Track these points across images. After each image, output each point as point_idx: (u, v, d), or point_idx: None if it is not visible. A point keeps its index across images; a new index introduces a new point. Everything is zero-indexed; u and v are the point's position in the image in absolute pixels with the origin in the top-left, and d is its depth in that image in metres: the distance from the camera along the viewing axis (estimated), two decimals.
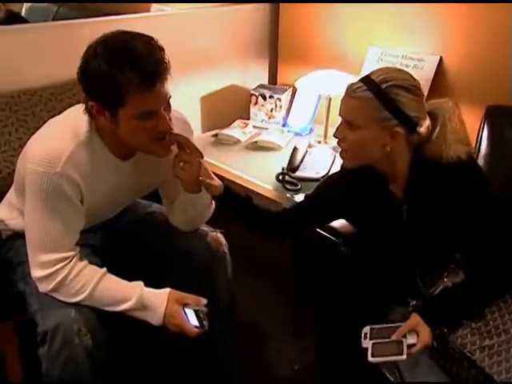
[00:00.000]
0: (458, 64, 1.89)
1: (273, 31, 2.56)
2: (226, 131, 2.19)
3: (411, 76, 1.19)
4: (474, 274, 1.20)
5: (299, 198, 1.71)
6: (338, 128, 1.21)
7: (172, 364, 1.69)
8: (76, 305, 1.18)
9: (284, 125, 2.31)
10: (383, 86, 1.13)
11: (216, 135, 2.19)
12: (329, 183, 1.40)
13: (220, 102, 2.47)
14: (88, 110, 1.17)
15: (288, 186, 1.76)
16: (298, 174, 1.78)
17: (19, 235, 1.33)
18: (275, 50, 2.59)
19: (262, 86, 2.37)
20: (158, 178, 1.40)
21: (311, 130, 2.28)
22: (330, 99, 2.05)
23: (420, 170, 1.19)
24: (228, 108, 2.45)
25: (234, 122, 2.31)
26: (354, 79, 1.98)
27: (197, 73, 2.37)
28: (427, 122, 1.17)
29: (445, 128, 1.16)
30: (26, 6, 2.49)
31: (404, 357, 1.08)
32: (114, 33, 1.13)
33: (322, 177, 1.76)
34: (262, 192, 1.80)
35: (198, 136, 2.28)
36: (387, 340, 1.12)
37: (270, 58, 2.63)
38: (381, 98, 1.12)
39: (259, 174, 1.87)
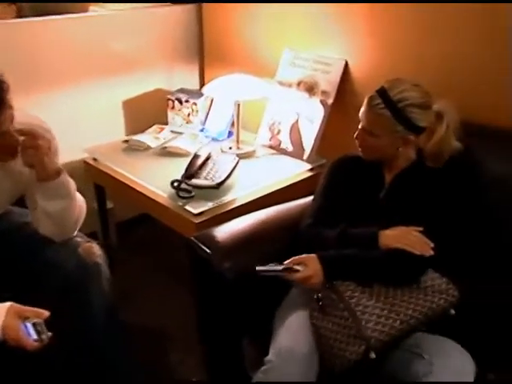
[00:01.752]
0: (364, 69, 1.86)
1: (199, 33, 2.53)
2: (137, 137, 2.14)
3: (423, 91, 1.30)
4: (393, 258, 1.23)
5: (191, 206, 1.67)
6: (358, 132, 1.35)
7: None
8: None
9: (202, 130, 2.27)
10: (399, 105, 1.26)
11: (127, 141, 2.14)
12: (336, 168, 1.47)
13: (144, 106, 2.42)
14: None
15: (181, 194, 1.71)
16: (194, 181, 1.72)
17: None
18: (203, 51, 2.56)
19: (180, 90, 2.32)
20: (15, 185, 1.39)
21: (230, 135, 2.24)
22: (239, 105, 2.00)
23: (417, 165, 1.34)
24: (151, 112, 2.40)
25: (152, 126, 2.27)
26: (263, 83, 2.01)
27: (120, 76, 2.33)
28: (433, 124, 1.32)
29: (448, 129, 1.30)
30: None
31: (280, 267, 1.21)
32: None
33: (218, 184, 1.72)
34: (157, 199, 1.76)
35: (114, 141, 2.22)
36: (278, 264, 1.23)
37: (199, 61, 2.60)
38: (397, 116, 1.26)
39: (159, 181, 1.81)
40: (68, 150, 1.84)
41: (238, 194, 1.78)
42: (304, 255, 1.24)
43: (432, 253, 1.20)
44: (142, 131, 2.26)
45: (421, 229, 1.23)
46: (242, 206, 1.75)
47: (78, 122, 2.22)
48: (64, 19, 2.12)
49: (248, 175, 1.90)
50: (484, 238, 1.38)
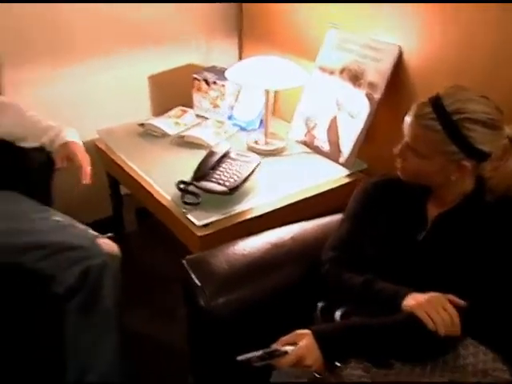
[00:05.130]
0: (423, 60, 1.49)
1: (239, 5, 2.21)
2: (154, 121, 1.88)
3: (491, 105, 0.98)
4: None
5: (195, 216, 1.41)
6: (400, 148, 1.05)
7: None
8: None
9: (230, 117, 1.99)
10: (455, 117, 0.96)
11: (143, 125, 1.90)
12: (370, 192, 1.17)
13: (172, 84, 2.17)
14: None
15: (187, 198, 1.45)
16: (203, 183, 1.46)
17: None
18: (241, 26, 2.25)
19: (211, 69, 2.04)
20: None
21: (262, 125, 1.94)
22: (269, 93, 1.70)
23: (473, 201, 1.04)
24: (179, 91, 2.14)
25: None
26: (299, 69, 1.69)
27: (148, 49, 2.07)
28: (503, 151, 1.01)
29: None
30: None
31: (259, 352, 0.89)
32: None
33: (231, 189, 1.45)
34: (161, 201, 1.51)
35: (130, 124, 1.97)
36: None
37: (238, 36, 2.30)
38: (450, 131, 0.96)
39: (167, 179, 1.56)
40: (84, 128, 1.67)
41: (255, 203, 1.50)
42: (295, 332, 0.94)
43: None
44: (168, 112, 2.01)
45: (461, 303, 0.92)
46: (258, 217, 1.47)
47: (98, 98, 2.01)
48: None
49: (271, 178, 1.61)
50: None
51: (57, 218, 1.39)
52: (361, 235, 1.13)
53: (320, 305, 1.13)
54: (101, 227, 2.19)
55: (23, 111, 1.50)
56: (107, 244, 1.35)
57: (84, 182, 1.42)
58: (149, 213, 1.73)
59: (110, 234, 1.40)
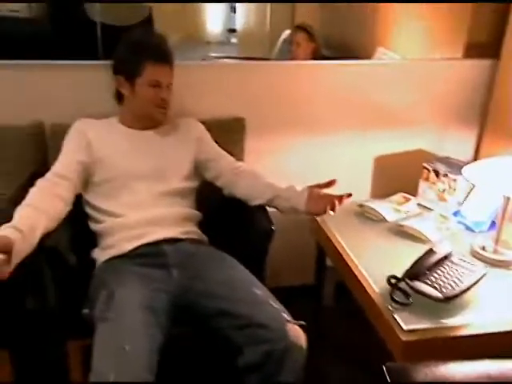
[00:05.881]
0: None
1: (487, 96, 2.09)
2: (373, 204, 1.85)
3: None
4: None
5: (402, 317, 1.31)
6: None
7: None
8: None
9: (456, 213, 1.84)
10: None
11: (362, 205, 1.88)
12: None
13: (397, 168, 2.14)
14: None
15: (396, 296, 1.36)
16: (416, 283, 1.35)
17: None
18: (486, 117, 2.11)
19: (444, 159, 1.94)
20: (183, 150, 1.62)
21: (492, 227, 1.75)
22: (509, 199, 1.52)
23: None
24: (403, 176, 2.09)
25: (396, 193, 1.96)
26: None
27: (379, 130, 2.10)
28: None
29: None
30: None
31: None
32: None
33: (447, 298, 1.31)
34: (367, 289, 1.44)
35: (350, 202, 1.97)
36: None
37: (478, 129, 2.16)
38: None
39: (378, 267, 1.50)
40: None
41: (473, 320, 1.33)
42: None
43: None
44: (388, 196, 1.98)
45: None
46: (473, 337, 1.30)
47: (323, 172, 2.08)
48: (339, 65, 2.01)
49: (496, 294, 1.42)
50: None
51: (256, 291, 1.39)
52: None
53: None
54: (300, 294, 2.25)
55: (260, 175, 1.62)
56: (296, 331, 1.31)
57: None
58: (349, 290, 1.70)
59: (301, 322, 1.34)
